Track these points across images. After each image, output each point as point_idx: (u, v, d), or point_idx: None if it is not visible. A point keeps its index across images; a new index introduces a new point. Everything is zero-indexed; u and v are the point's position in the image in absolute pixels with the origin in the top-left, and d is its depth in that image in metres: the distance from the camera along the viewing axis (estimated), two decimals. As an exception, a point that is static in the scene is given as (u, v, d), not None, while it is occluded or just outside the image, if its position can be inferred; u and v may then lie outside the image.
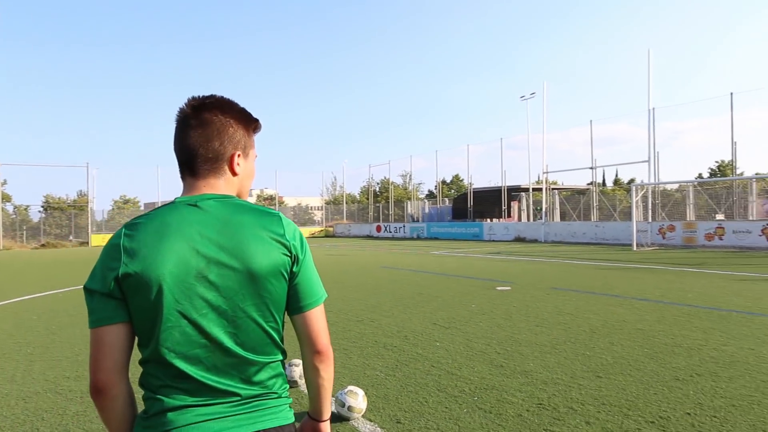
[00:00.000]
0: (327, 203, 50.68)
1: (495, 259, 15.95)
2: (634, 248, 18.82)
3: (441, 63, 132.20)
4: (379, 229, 37.64)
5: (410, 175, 49.74)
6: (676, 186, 25.40)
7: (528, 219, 31.53)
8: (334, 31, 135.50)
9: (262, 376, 1.15)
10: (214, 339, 1.10)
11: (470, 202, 34.59)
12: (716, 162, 39.19)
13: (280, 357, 1.20)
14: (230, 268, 1.10)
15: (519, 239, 26.90)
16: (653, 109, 23.55)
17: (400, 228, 36.12)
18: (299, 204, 55.93)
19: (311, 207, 57.01)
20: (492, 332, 5.67)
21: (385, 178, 50.01)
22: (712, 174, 39.19)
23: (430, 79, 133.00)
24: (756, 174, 29.08)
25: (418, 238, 33.33)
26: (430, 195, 51.54)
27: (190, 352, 1.09)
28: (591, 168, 27.35)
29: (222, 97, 1.24)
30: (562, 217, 28.46)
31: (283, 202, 50.52)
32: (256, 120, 1.28)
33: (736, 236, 18.40)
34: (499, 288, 9.10)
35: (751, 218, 20.48)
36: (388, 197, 44.08)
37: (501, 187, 32.57)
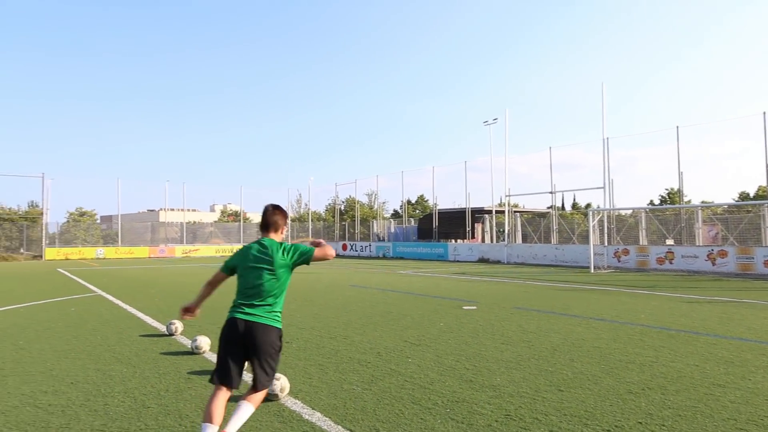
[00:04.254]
0: (292, 220, 50.36)
1: (460, 279, 16.36)
2: (592, 270, 19.65)
3: (406, 83, 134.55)
4: (345, 247, 37.73)
5: (376, 195, 50.26)
6: (629, 211, 26.66)
7: (491, 240, 32.32)
8: (300, 47, 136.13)
9: (270, 305, 3.23)
10: (255, 287, 3.21)
11: (435, 222, 35.19)
12: (666, 189, 41.28)
13: (278, 301, 3.28)
14: (267, 262, 3.23)
15: (483, 260, 27.54)
16: (607, 138, 24.84)
17: (366, 247, 36.32)
18: (264, 220, 55.20)
19: (276, 224, 56.37)
20: (460, 349, 5.95)
21: (350, 196, 50.33)
22: (663, 201, 41.24)
23: (396, 99, 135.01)
24: (702, 202, 30.90)
25: (384, 257, 33.59)
26: (396, 214, 52.04)
27: (248, 290, 3.22)
28: (551, 192, 28.43)
29: (279, 206, 3.40)
30: (524, 239, 29.32)
31: (247, 218, 49.91)
32: (287, 213, 3.42)
33: (684, 260, 19.49)
34: (465, 307, 9.43)
35: (698, 244, 21.73)
36: (353, 216, 44.29)
37: (465, 208, 33.33)
